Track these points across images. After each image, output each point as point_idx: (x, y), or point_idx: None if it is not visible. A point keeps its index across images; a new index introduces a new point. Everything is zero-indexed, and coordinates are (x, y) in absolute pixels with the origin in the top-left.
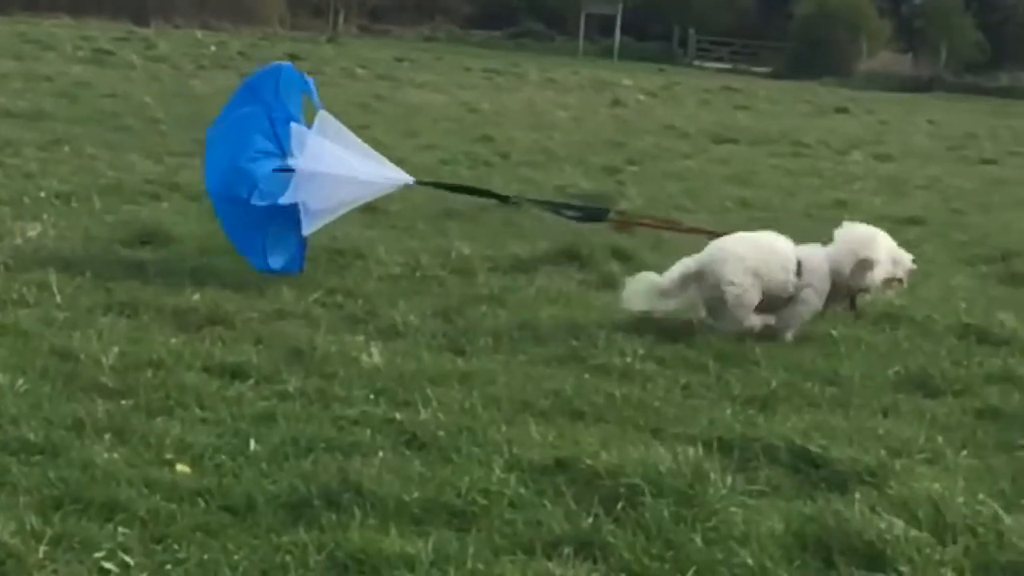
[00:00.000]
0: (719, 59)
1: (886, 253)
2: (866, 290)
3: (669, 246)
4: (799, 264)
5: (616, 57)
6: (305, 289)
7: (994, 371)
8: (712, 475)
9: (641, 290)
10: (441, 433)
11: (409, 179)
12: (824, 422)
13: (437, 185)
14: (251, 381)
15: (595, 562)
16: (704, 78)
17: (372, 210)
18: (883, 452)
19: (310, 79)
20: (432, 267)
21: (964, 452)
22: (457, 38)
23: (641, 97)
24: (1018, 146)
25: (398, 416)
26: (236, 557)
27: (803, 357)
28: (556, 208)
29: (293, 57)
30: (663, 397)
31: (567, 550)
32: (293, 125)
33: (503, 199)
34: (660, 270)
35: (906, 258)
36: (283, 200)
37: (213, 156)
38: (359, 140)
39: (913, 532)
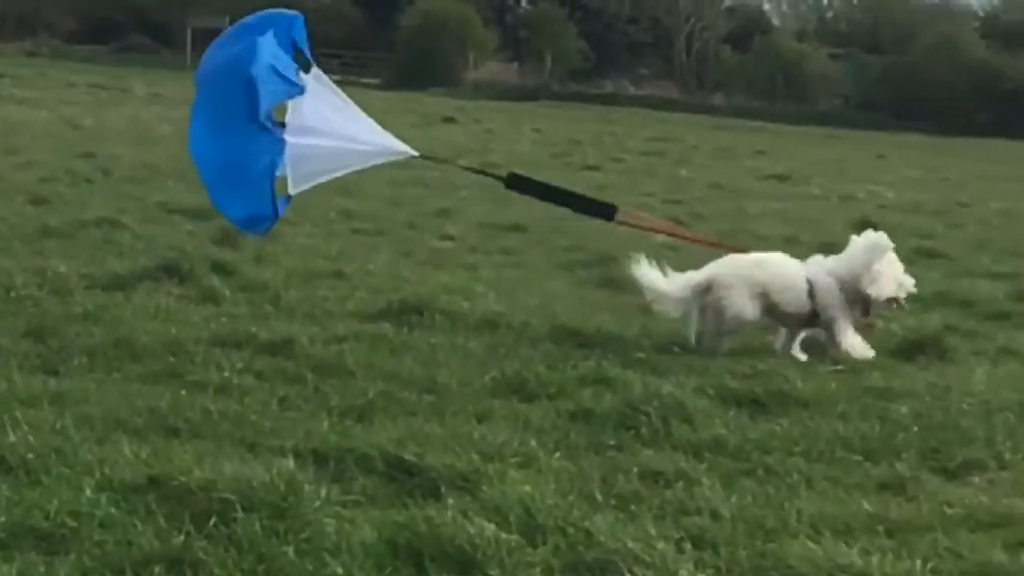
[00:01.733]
0: (329, 71)
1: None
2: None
3: (271, 258)
4: (810, 285)
5: None
6: None
7: (588, 373)
8: (306, 487)
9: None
10: (30, 456)
11: (412, 151)
12: (420, 430)
13: (440, 160)
14: None
15: None
16: None
17: None
18: (476, 457)
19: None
20: (27, 286)
21: (557, 454)
22: (61, 53)
23: None
24: (620, 152)
25: None
26: None
27: (401, 366)
28: (561, 198)
29: None
30: (260, 410)
31: (158, 569)
32: (305, 77)
33: (502, 179)
34: (262, 283)
35: (908, 281)
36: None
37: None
38: (355, 105)
39: (504, 535)
